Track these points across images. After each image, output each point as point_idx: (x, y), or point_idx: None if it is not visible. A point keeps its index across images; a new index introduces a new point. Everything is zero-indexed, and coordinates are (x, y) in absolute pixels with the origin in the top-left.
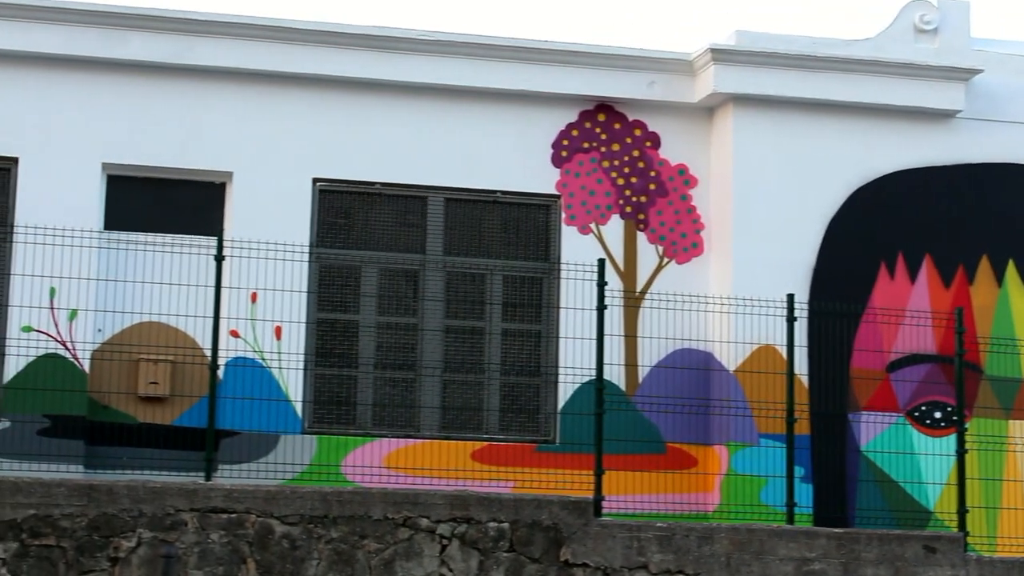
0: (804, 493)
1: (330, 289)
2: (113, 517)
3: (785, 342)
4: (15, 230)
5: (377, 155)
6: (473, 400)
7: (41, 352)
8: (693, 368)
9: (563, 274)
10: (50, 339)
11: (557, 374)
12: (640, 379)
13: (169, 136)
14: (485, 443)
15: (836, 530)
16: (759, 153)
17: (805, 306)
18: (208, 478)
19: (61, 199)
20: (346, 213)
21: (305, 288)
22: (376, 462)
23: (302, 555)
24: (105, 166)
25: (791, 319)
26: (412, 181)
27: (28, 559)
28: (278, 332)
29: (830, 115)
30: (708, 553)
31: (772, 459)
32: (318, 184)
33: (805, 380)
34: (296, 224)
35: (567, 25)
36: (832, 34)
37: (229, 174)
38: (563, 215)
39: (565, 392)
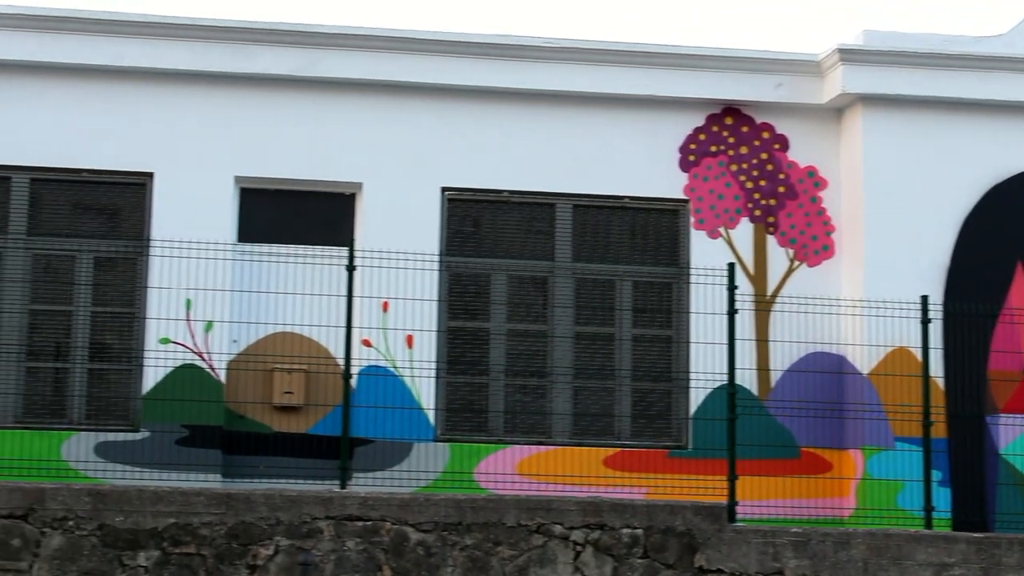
0: (942, 497)
1: (460, 297)
2: (251, 525)
3: (919, 344)
4: (151, 244)
5: (505, 163)
6: (604, 406)
7: (178, 363)
8: (826, 372)
9: (693, 279)
10: (187, 350)
11: (688, 379)
12: (772, 383)
13: (299, 148)
14: (617, 449)
15: (976, 535)
16: (889, 153)
17: (940, 307)
18: (343, 486)
19: (195, 213)
20: (475, 221)
21: (435, 296)
22: (508, 469)
23: (437, 562)
24: (237, 179)
25: (926, 321)
26: (540, 188)
27: (169, 567)
28: (409, 341)
29: (961, 113)
30: (845, 559)
31: (909, 463)
32: (447, 193)
33: (941, 383)
34: (425, 233)
35: (693, 29)
36: (961, 31)
37: (359, 185)
38: (692, 219)
39: (697, 397)
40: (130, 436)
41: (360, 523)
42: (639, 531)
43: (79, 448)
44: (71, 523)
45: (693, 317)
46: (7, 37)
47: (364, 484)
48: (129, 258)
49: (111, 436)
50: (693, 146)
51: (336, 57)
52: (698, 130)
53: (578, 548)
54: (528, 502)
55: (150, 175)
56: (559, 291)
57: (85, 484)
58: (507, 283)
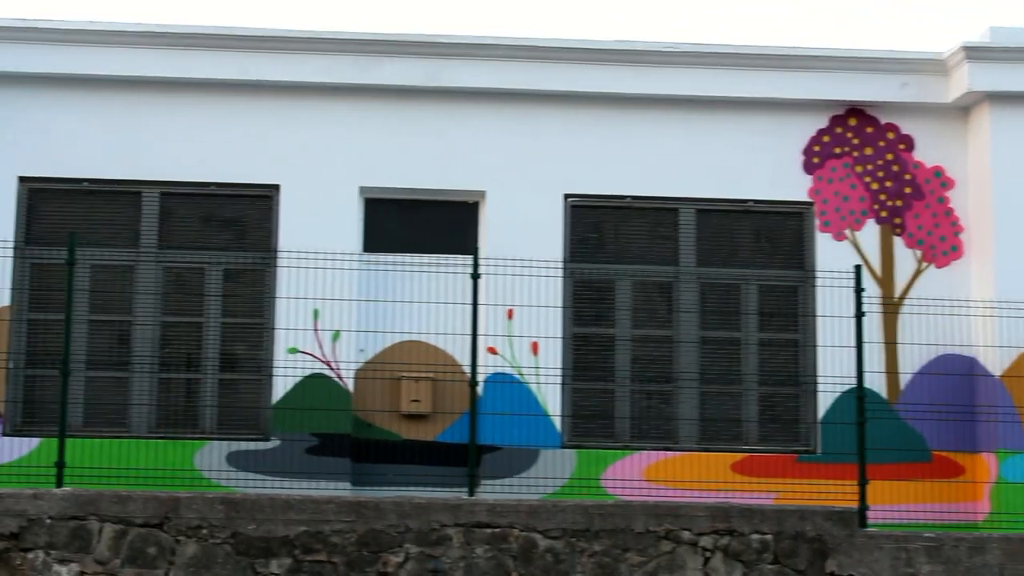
0: None
1: (585, 303)
2: (381, 533)
3: None
4: (279, 255)
5: (628, 169)
6: (731, 411)
7: (307, 373)
8: (956, 374)
9: (819, 282)
10: (315, 360)
11: (816, 383)
12: (902, 386)
13: (423, 158)
14: (745, 454)
15: None
16: (1018, 151)
17: None
18: (471, 493)
19: (321, 224)
20: (598, 227)
21: (560, 303)
22: (636, 475)
23: (565, 568)
24: (362, 190)
25: None
26: (663, 193)
27: (301, 574)
28: (535, 348)
29: None
30: (980, 564)
31: None
32: (570, 200)
33: None
34: (549, 240)
35: (814, 30)
36: None
37: (482, 193)
38: (817, 222)
39: (825, 401)
40: (261, 445)
41: (489, 530)
42: (769, 537)
43: (211, 457)
44: (205, 531)
45: (820, 320)
46: (138, 55)
47: (492, 491)
48: (257, 269)
49: (242, 445)
50: (817, 148)
51: (459, 66)
52: (822, 132)
53: (707, 554)
54: (656, 508)
55: (277, 187)
56: (684, 296)
57: (218, 493)
58: (631, 289)
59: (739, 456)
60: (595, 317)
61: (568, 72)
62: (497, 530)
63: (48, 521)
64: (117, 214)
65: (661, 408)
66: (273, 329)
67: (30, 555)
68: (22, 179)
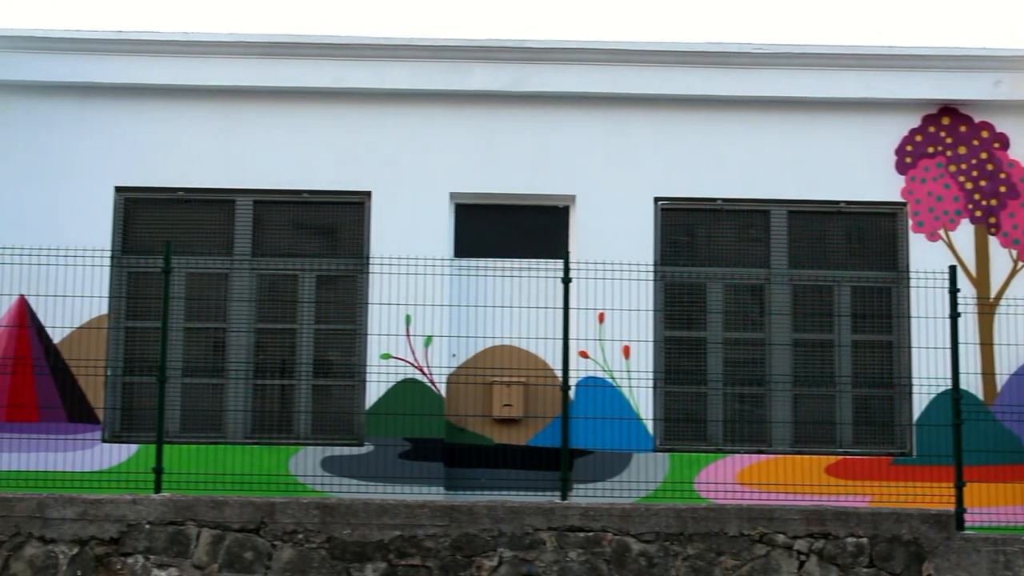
0: None
1: (676, 307)
2: (474, 537)
3: None
4: (370, 261)
5: (718, 171)
6: (825, 413)
7: (400, 378)
8: None
9: (912, 282)
10: (408, 365)
11: (911, 385)
12: (998, 388)
13: (513, 163)
14: (839, 457)
15: None
16: None
17: None
18: (564, 497)
19: (413, 229)
20: (689, 230)
21: (651, 307)
22: (729, 478)
23: (659, 572)
24: (453, 195)
25: None
26: (754, 195)
27: None
28: (626, 351)
29: None
30: None
31: None
32: (660, 203)
33: None
34: (640, 243)
35: (904, 29)
36: None
37: (572, 197)
38: (910, 222)
39: (920, 403)
40: (355, 450)
41: (582, 534)
42: (864, 540)
43: (306, 462)
44: (300, 536)
45: (914, 321)
46: (231, 64)
47: (585, 495)
48: (350, 276)
49: (336, 450)
50: (910, 148)
51: (548, 71)
52: (914, 131)
53: (802, 558)
54: (750, 511)
55: (368, 194)
56: (776, 298)
57: (313, 498)
58: (723, 291)
59: (833, 459)
60: (686, 320)
61: (657, 75)
62: (590, 534)
63: (147, 526)
64: (212, 222)
65: (754, 411)
66: (366, 335)
67: (130, 560)
68: (118, 189)
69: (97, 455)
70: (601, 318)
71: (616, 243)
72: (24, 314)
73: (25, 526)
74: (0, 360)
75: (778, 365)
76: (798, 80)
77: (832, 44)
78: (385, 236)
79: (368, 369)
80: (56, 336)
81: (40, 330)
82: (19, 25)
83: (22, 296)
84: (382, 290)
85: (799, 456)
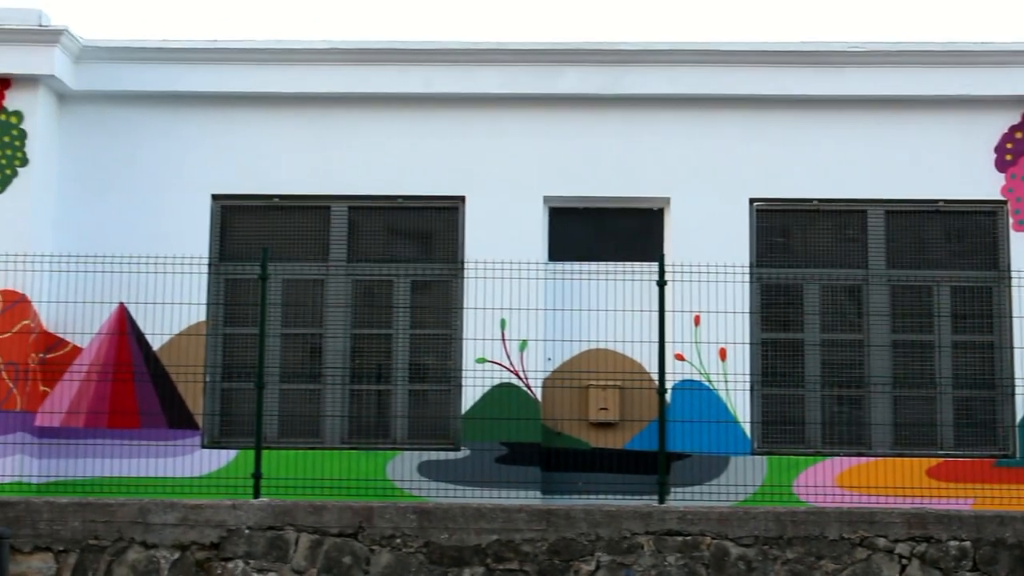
0: None
1: (772, 308)
2: (572, 541)
3: None
4: (465, 266)
5: (814, 171)
6: (925, 415)
7: (495, 382)
8: None
9: (1015, 281)
10: (503, 369)
11: (1013, 385)
12: None
13: (606, 166)
14: (940, 459)
15: None
16: None
17: None
18: (662, 501)
19: (506, 233)
20: (785, 231)
21: (747, 309)
22: (828, 481)
23: None
24: (546, 199)
25: None
26: (850, 195)
27: None
28: (723, 354)
29: None
30: None
31: None
32: (755, 204)
33: None
34: (735, 245)
35: (998, 24)
36: None
37: (667, 199)
38: (1011, 220)
39: (1023, 404)
40: (451, 455)
41: (680, 538)
42: (967, 543)
43: (403, 467)
44: (398, 540)
45: (1017, 321)
46: (324, 72)
47: (682, 499)
48: (444, 280)
49: (433, 455)
50: (1009, 145)
51: (640, 73)
52: (1014, 128)
53: (903, 561)
54: (850, 515)
55: (462, 199)
56: (874, 299)
57: (410, 502)
58: (820, 292)
59: (934, 461)
60: (783, 322)
61: (750, 75)
62: (688, 538)
63: (247, 531)
64: (307, 229)
65: (853, 413)
66: (461, 339)
67: (230, 564)
68: (215, 197)
69: (197, 461)
70: (697, 320)
71: (711, 245)
72: (124, 322)
73: (127, 531)
74: (101, 367)
75: (877, 366)
76: (893, 78)
77: (928, 41)
78: (479, 240)
79: (464, 373)
80: (155, 343)
81: (140, 337)
82: (115, 36)
83: (122, 304)
84: (477, 294)
85: (899, 458)
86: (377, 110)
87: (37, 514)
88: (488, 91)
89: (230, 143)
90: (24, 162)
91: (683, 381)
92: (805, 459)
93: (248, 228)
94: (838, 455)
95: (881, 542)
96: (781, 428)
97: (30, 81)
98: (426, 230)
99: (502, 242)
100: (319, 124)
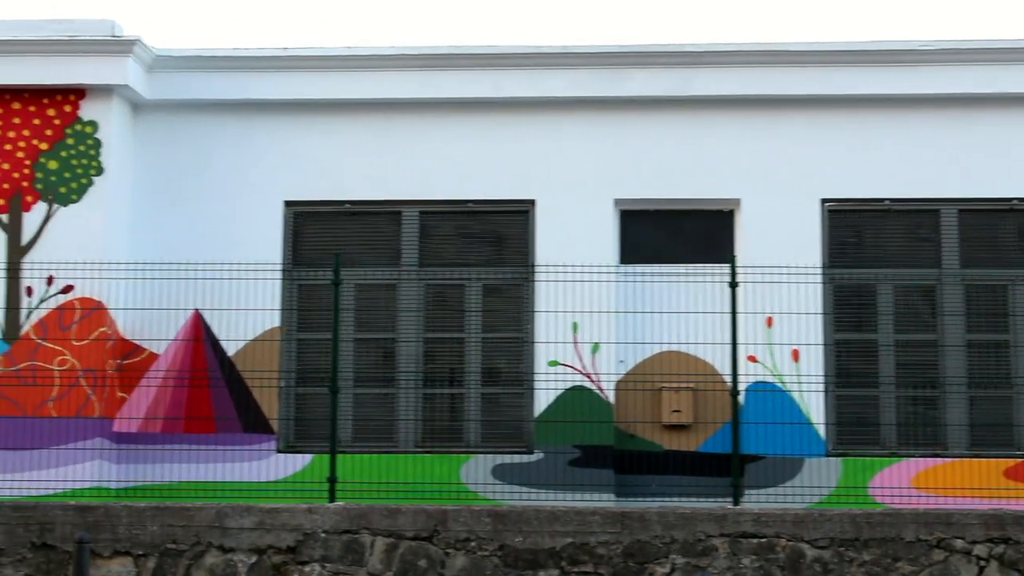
0: None
1: (845, 309)
2: (646, 544)
3: None
4: (536, 269)
5: (885, 171)
6: (1002, 415)
7: (568, 385)
8: None
9: None
10: (576, 372)
11: None
12: None
13: (676, 168)
14: (1018, 459)
15: None
16: None
17: None
18: (736, 503)
19: (577, 236)
20: (857, 231)
21: (820, 309)
22: (904, 482)
23: None
24: (617, 202)
25: None
26: (923, 195)
27: None
28: (795, 355)
29: None
30: None
31: None
32: (827, 204)
33: None
34: (807, 246)
35: None
36: None
37: (737, 201)
38: None
39: None
40: (525, 458)
41: (755, 540)
42: None
43: (477, 470)
44: (473, 544)
45: None
46: (393, 77)
47: (757, 501)
48: (516, 284)
49: (507, 458)
50: None
51: (709, 74)
52: None
53: (981, 563)
54: (927, 516)
55: (533, 202)
56: (948, 299)
57: (484, 505)
58: (893, 293)
59: (1012, 461)
60: (856, 322)
61: (820, 75)
62: (763, 540)
63: (322, 535)
64: (378, 234)
65: (928, 414)
66: (533, 343)
67: (306, 568)
68: (287, 203)
69: (272, 465)
70: (769, 322)
71: (782, 246)
72: (199, 328)
73: (205, 535)
74: (177, 373)
75: (952, 366)
76: (965, 76)
77: (1000, 39)
78: (550, 244)
79: (536, 377)
80: (230, 349)
81: (215, 343)
82: (186, 45)
83: (197, 310)
84: (548, 298)
85: (976, 459)
86: (447, 115)
87: (116, 519)
88: (557, 94)
89: (302, 149)
90: (99, 171)
91: (756, 383)
92: (880, 460)
93: (320, 234)
94: (914, 456)
95: (958, 544)
96: (856, 429)
97: (104, 91)
98: (497, 234)
99: (573, 245)
100: (389, 129)
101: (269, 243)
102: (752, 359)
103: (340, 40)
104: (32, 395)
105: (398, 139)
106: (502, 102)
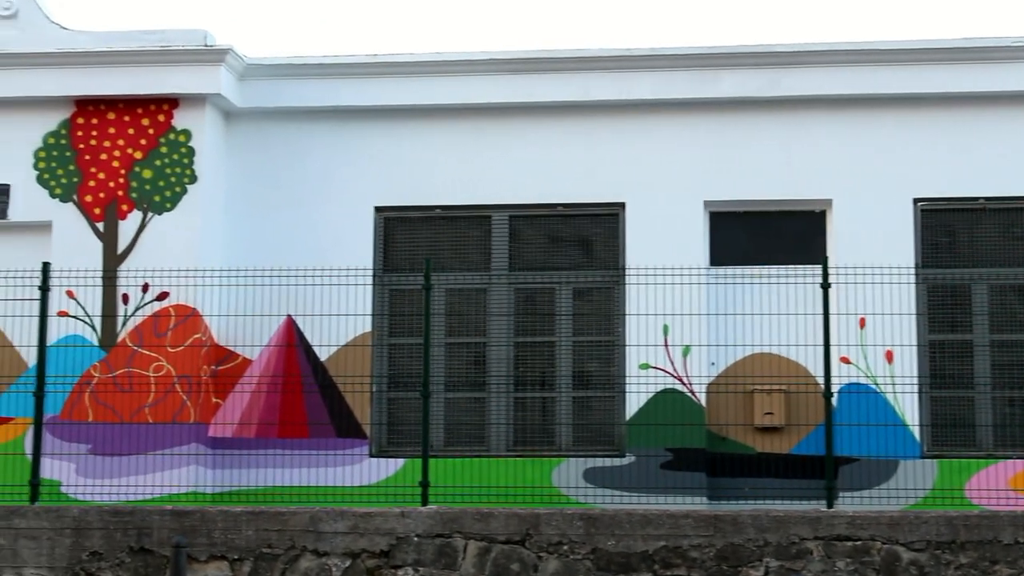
0: None
1: (939, 309)
2: (739, 547)
3: None
4: (627, 272)
5: (978, 169)
6: None
7: (659, 388)
8: None
9: None
10: (667, 375)
11: None
12: None
13: (766, 169)
14: None
15: None
16: None
17: None
18: (830, 505)
19: (667, 239)
20: (950, 231)
21: (913, 310)
22: (1001, 484)
23: None
24: (707, 203)
25: None
26: (1018, 193)
27: None
28: (889, 356)
29: None
30: None
31: None
32: (919, 204)
33: None
34: (899, 245)
35: None
36: None
37: (828, 201)
38: None
39: None
40: (616, 461)
41: (849, 543)
42: None
43: (568, 474)
44: (565, 547)
45: None
46: (482, 82)
47: (851, 503)
48: (606, 287)
49: (598, 462)
50: None
51: (798, 74)
52: None
53: None
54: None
55: (622, 205)
56: None
57: (577, 509)
58: (988, 292)
59: None
60: (951, 323)
61: (911, 73)
62: (858, 543)
63: (415, 539)
64: (468, 238)
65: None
66: (624, 346)
67: (399, 572)
68: (378, 209)
69: (365, 469)
70: (862, 323)
71: (875, 246)
72: (292, 334)
73: (299, 539)
74: (271, 379)
75: None
76: None
77: None
78: (640, 246)
79: (627, 380)
80: (323, 354)
81: (308, 349)
82: (276, 53)
83: (289, 316)
84: (639, 301)
85: None
86: (535, 119)
87: (212, 523)
88: (645, 97)
89: (391, 155)
90: (193, 179)
91: (849, 384)
92: (977, 462)
93: (410, 239)
94: (1011, 458)
95: None
96: (951, 431)
97: (197, 100)
98: (587, 237)
99: (663, 248)
100: (478, 134)
101: (360, 249)
102: (845, 360)
103: (429, 46)
104: (129, 401)
105: (487, 143)
106: (591, 105)
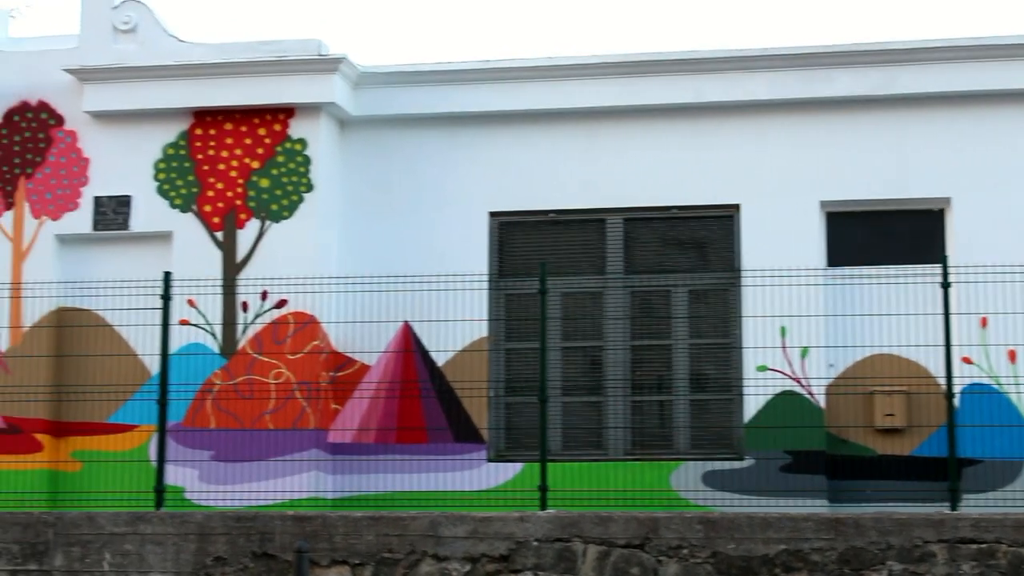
0: None
1: None
2: (861, 550)
3: None
4: (743, 274)
5: None
6: None
7: (777, 390)
8: None
9: None
10: (785, 377)
11: None
12: None
13: (882, 168)
14: None
15: None
16: None
17: None
18: (954, 508)
19: (783, 240)
20: None
21: None
22: None
23: None
24: (823, 204)
25: None
26: None
27: None
28: (1012, 356)
29: None
30: None
31: None
32: None
33: None
34: (1018, 243)
35: None
36: None
37: (947, 200)
38: None
39: None
40: (735, 464)
41: (975, 546)
42: None
43: (687, 477)
44: (685, 551)
45: None
46: (595, 86)
47: (976, 505)
48: (722, 289)
49: (717, 465)
50: None
51: (914, 72)
52: None
53: None
54: None
55: (736, 207)
56: None
57: (696, 512)
58: None
59: None
60: None
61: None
62: (983, 546)
63: (535, 543)
64: (583, 242)
65: None
66: (741, 348)
67: None
68: (492, 214)
69: (483, 474)
70: (984, 322)
71: (996, 244)
72: (409, 339)
73: (419, 544)
74: (389, 384)
75: None
76: None
77: None
78: (756, 248)
79: (745, 382)
80: (440, 359)
81: (425, 354)
82: (388, 61)
83: (406, 322)
84: (755, 302)
85: None
86: (648, 121)
87: (333, 528)
88: (758, 97)
89: (505, 160)
90: (309, 188)
91: (972, 385)
92: None
93: (525, 243)
94: None
95: None
96: None
97: (312, 109)
98: (702, 239)
99: (779, 249)
100: (591, 138)
101: (475, 254)
102: (967, 361)
103: (541, 50)
104: (249, 408)
105: (601, 147)
106: (704, 107)
